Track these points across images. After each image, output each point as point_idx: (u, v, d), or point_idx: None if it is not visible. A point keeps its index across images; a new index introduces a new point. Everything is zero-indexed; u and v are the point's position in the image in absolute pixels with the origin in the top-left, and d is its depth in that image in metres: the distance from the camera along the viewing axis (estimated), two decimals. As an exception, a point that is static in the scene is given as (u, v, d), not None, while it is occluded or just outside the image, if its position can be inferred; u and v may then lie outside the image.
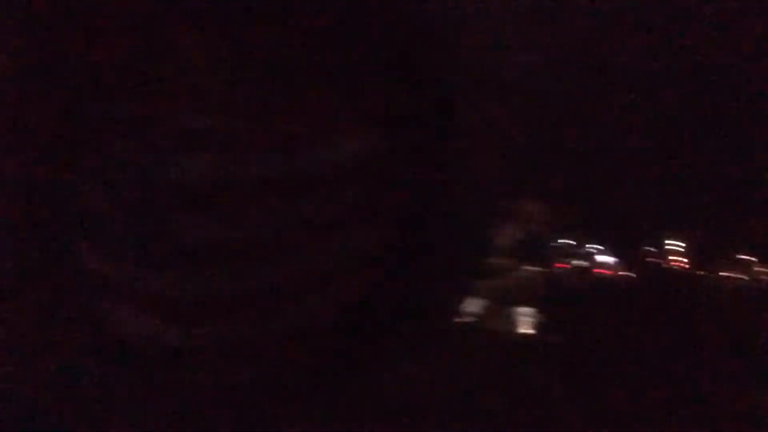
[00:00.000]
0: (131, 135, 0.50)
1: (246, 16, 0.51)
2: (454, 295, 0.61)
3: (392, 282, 0.57)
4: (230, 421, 0.58)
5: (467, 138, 0.61)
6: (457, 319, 0.58)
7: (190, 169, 0.49)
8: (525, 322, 8.40)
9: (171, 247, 0.52)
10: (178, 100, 0.48)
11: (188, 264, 0.52)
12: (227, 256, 0.52)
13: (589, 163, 8.42)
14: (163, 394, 0.57)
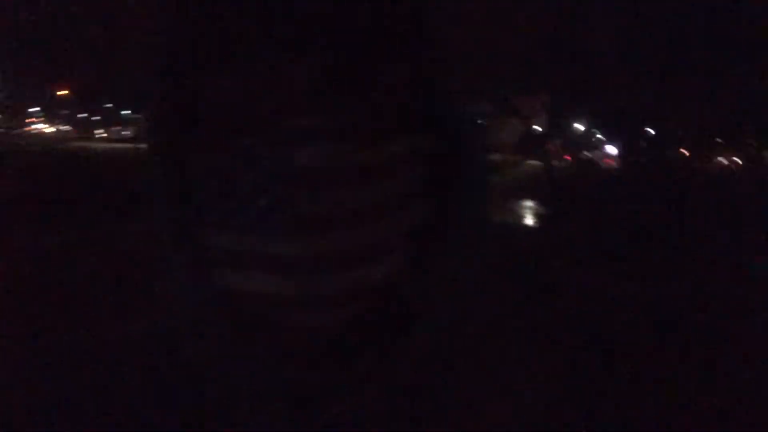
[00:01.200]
0: (256, 133, 0.56)
1: (338, 52, 0.56)
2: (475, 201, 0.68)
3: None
4: (326, 351, 0.60)
5: (465, 43, 0.69)
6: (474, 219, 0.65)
7: (298, 158, 0.55)
8: (530, 214, 8.60)
9: (286, 219, 0.55)
10: (290, 108, 0.55)
11: (301, 231, 0.55)
12: (329, 225, 0.56)
13: (591, 61, 8.28)
14: (274, 334, 0.59)
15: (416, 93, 0.61)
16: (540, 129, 12.72)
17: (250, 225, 0.57)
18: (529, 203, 8.78)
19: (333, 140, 0.56)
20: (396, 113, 0.59)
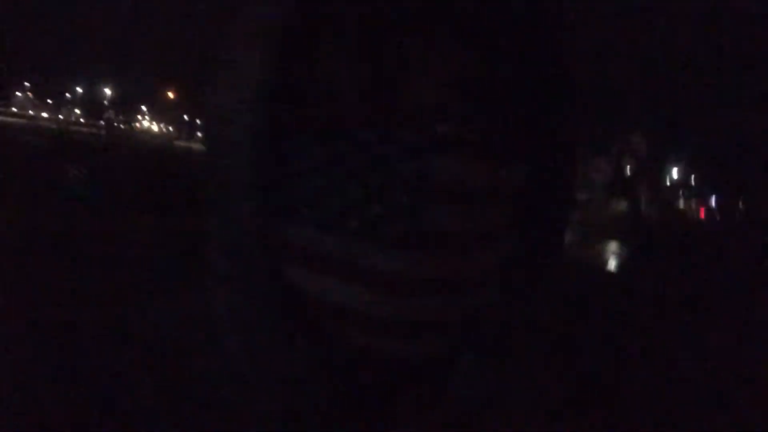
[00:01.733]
0: (380, 129, 0.51)
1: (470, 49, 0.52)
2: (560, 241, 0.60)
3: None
4: (412, 387, 0.54)
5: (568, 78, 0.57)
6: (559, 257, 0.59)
7: (438, 168, 0.51)
8: (612, 255, 8.33)
9: (402, 230, 0.50)
10: (436, 110, 0.50)
11: (414, 245, 0.50)
12: (445, 246, 0.51)
13: (690, 101, 7.87)
14: (341, 353, 0.53)
15: (547, 120, 0.56)
16: (630, 170, 12.22)
17: (357, 230, 0.51)
18: (611, 246, 8.48)
19: (472, 155, 0.51)
20: (528, 137, 0.55)
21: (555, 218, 0.59)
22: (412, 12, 0.51)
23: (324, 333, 0.52)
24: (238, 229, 0.54)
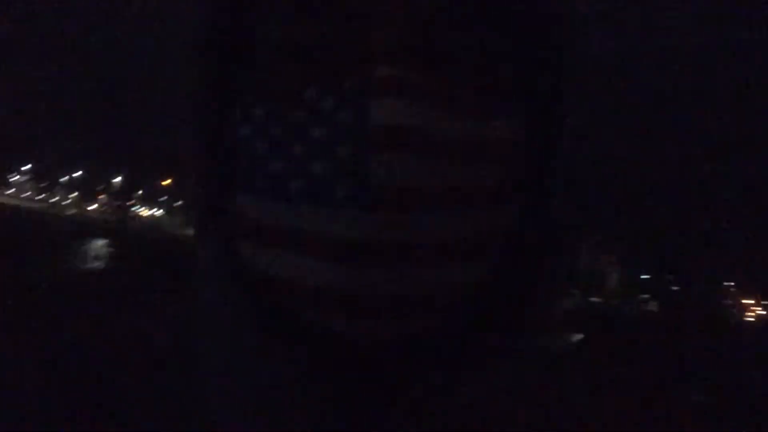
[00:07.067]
0: (321, 83, 0.45)
1: None
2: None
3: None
4: (366, 370, 0.47)
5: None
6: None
7: (374, 114, 0.43)
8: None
9: (352, 189, 0.43)
10: (365, 52, 0.44)
11: (363, 205, 0.43)
12: (398, 204, 0.43)
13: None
14: (306, 339, 0.47)
15: (533, 69, 0.52)
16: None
17: (303, 194, 0.46)
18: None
19: (423, 99, 0.45)
20: (506, 87, 0.50)
21: (557, 178, 0.53)
22: None
23: (283, 314, 0.48)
24: (196, 203, 0.53)
